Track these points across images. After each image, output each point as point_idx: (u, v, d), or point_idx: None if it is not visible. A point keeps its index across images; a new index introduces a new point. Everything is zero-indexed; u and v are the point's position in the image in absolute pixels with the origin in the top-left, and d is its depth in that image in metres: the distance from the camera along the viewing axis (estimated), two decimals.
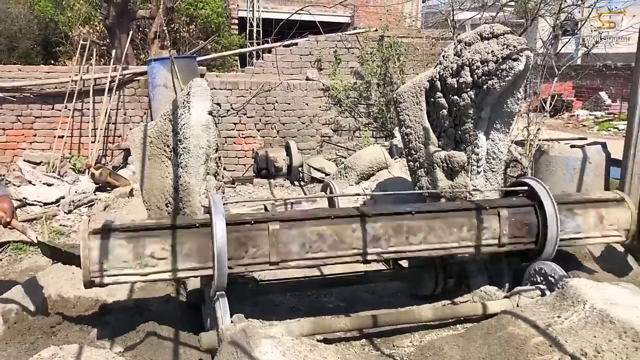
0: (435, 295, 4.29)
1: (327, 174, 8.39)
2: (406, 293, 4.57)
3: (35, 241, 3.56)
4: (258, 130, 10.02)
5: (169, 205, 4.40)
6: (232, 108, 9.78)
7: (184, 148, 4.12)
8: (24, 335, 3.98)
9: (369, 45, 10.14)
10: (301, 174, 8.70)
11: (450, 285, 4.28)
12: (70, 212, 6.33)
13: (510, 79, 4.04)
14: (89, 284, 3.28)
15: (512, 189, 4.24)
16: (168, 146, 4.46)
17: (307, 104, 9.97)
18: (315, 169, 8.65)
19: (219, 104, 9.72)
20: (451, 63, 4.54)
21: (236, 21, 16.62)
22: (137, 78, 9.75)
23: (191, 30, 14.50)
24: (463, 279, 4.31)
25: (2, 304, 4.30)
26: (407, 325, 3.76)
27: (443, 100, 4.64)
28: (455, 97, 4.46)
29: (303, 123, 10.01)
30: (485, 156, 4.45)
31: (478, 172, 4.47)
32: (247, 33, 15.69)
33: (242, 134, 10.00)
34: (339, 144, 9.95)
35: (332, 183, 6.21)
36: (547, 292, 3.64)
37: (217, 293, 3.28)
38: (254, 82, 9.93)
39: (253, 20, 15.82)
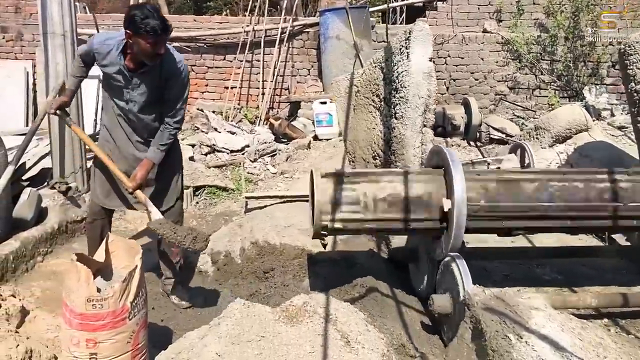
0: None
1: (508, 135, 7.77)
2: (633, 271, 4.04)
3: (156, 218, 3.08)
4: None
5: (376, 157, 4.22)
6: None
7: (400, 97, 3.86)
8: (236, 277, 4.04)
9: None
10: (479, 134, 8.12)
11: None
12: (255, 160, 6.42)
13: None
14: (319, 229, 3.10)
15: None
16: (378, 96, 4.24)
17: (482, 59, 9.26)
18: (494, 128, 8.03)
19: None
20: None
21: None
22: (307, 30, 9.65)
23: None
24: None
25: (210, 247, 4.38)
26: None
27: None
28: None
29: (476, 79, 9.34)
30: None
31: None
32: None
33: None
34: (515, 103, 9.17)
35: (526, 144, 5.67)
36: None
37: (452, 254, 3.03)
38: None
39: None
